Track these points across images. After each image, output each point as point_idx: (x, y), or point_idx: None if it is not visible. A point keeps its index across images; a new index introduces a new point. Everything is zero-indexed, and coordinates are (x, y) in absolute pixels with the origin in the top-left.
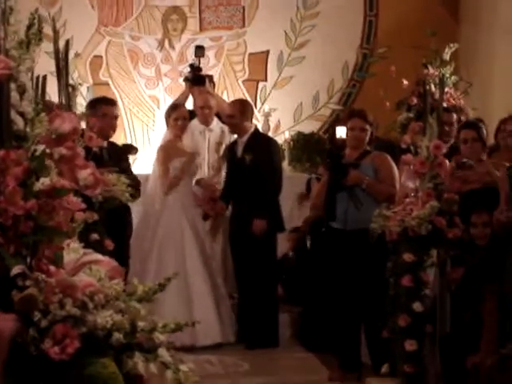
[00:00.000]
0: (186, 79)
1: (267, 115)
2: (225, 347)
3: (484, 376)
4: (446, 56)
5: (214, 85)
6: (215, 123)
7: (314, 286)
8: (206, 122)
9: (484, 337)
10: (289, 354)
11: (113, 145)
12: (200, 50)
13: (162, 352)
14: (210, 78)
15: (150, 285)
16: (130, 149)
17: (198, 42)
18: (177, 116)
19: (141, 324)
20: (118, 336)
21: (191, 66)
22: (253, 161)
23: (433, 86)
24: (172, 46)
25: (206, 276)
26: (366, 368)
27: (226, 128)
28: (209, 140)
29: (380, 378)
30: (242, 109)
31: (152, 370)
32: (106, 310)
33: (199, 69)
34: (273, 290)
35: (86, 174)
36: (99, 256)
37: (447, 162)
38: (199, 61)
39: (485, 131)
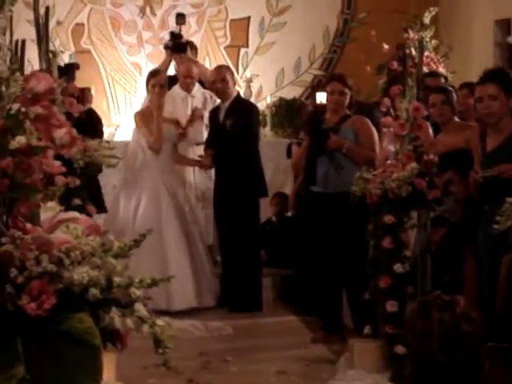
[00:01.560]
0: (167, 47)
1: (249, 81)
2: (208, 312)
3: (405, 321)
4: (426, 20)
5: (196, 51)
6: (197, 89)
7: (297, 250)
8: (188, 89)
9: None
10: (272, 317)
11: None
12: (181, 18)
13: (139, 307)
14: (192, 44)
15: (126, 241)
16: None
17: (179, 9)
18: (154, 82)
19: (117, 279)
20: (94, 291)
21: (171, 33)
22: (233, 126)
23: (413, 50)
24: (153, 13)
25: (184, 241)
26: (348, 330)
27: (208, 94)
28: (191, 107)
29: (362, 339)
30: (225, 74)
31: (129, 325)
32: (82, 266)
33: (180, 36)
34: (256, 254)
35: (61, 133)
36: (76, 214)
37: (428, 124)
38: (180, 28)
39: (455, 95)
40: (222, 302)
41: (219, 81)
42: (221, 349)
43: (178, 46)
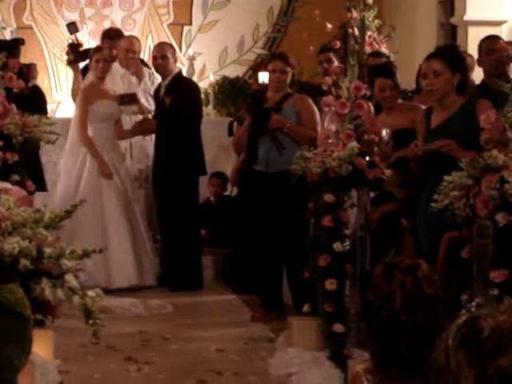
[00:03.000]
0: (70, 62)
1: (192, 59)
2: (148, 290)
3: (372, 284)
4: (370, 0)
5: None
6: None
7: (238, 228)
8: (128, 66)
9: None
10: (212, 296)
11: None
12: (72, 27)
13: (70, 278)
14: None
15: (57, 212)
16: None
17: None
18: (98, 58)
19: (48, 250)
20: (24, 262)
21: (70, 46)
22: (171, 103)
23: (356, 30)
24: None
25: (125, 219)
26: (288, 308)
27: (147, 71)
28: (129, 84)
29: (301, 317)
30: (166, 51)
31: (59, 296)
32: (13, 237)
33: (79, 45)
34: (195, 232)
35: None
36: (8, 185)
37: (369, 104)
38: (76, 37)
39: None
40: (163, 280)
41: (160, 57)
42: (160, 327)
43: (81, 55)
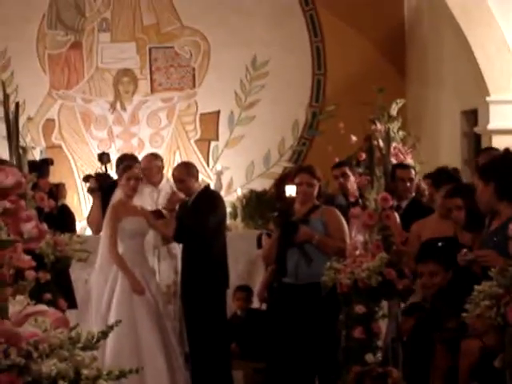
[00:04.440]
0: (93, 190)
1: (219, 174)
2: None
3: None
4: (393, 112)
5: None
6: (165, 182)
7: (269, 342)
8: (153, 183)
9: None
10: None
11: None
12: (105, 157)
13: None
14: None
15: (93, 332)
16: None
17: (149, 104)
18: (129, 176)
19: (85, 372)
20: None
21: (97, 175)
22: (195, 221)
23: (380, 142)
24: (124, 108)
25: (158, 335)
26: None
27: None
28: (156, 201)
29: None
30: (188, 171)
31: None
32: (50, 359)
33: (107, 176)
34: (225, 346)
35: (30, 226)
36: (44, 307)
37: (396, 214)
38: (106, 167)
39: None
40: None
41: (178, 181)
42: None
43: (105, 184)
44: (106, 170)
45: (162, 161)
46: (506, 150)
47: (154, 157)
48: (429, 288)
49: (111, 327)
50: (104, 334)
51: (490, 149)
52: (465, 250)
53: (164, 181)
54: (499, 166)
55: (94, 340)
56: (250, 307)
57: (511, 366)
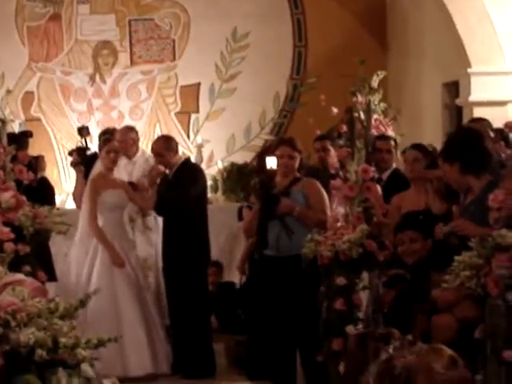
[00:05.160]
0: (76, 164)
1: (200, 146)
2: (162, 378)
3: (347, 354)
4: (374, 84)
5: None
6: (140, 155)
7: (249, 314)
8: (127, 156)
9: None
10: (226, 383)
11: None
12: (84, 130)
13: (85, 367)
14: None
15: (72, 301)
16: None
17: (129, 76)
18: (109, 149)
19: (63, 340)
20: (40, 353)
21: (78, 149)
22: (176, 194)
23: (361, 114)
24: (103, 81)
25: (138, 307)
26: None
27: (151, 158)
28: (131, 174)
29: None
30: (166, 145)
31: None
32: (28, 328)
33: (87, 149)
34: (205, 319)
35: (8, 195)
36: (22, 276)
37: (377, 186)
38: (85, 141)
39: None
40: (175, 368)
41: (157, 155)
42: None
43: (86, 159)
44: (86, 144)
45: (136, 133)
46: (460, 126)
47: (129, 129)
48: (409, 255)
49: (89, 296)
50: (82, 303)
51: (479, 119)
52: (441, 224)
53: (139, 153)
54: (459, 145)
55: (73, 309)
56: (221, 281)
57: (492, 336)
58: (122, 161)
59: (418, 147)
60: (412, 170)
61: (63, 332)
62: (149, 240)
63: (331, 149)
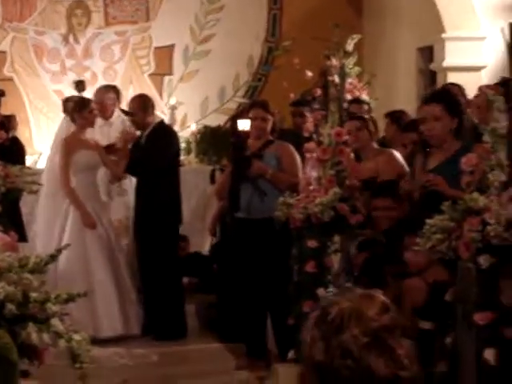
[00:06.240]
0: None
1: (173, 108)
2: (133, 339)
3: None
4: (349, 47)
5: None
6: (116, 116)
7: (221, 276)
8: (104, 117)
9: None
10: (197, 345)
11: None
12: (81, 85)
13: (55, 322)
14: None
15: (42, 256)
16: None
17: (102, 37)
18: (91, 109)
19: (33, 295)
20: (10, 307)
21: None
22: (148, 155)
23: (336, 77)
24: (77, 41)
25: (109, 268)
26: (272, 355)
27: (127, 122)
28: (108, 135)
29: (286, 364)
30: (142, 104)
31: (46, 340)
32: None
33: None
34: (177, 281)
35: None
36: None
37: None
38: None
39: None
40: (147, 330)
41: (131, 114)
42: (145, 376)
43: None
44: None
45: (117, 92)
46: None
47: (107, 89)
48: (384, 221)
49: (60, 250)
50: (52, 258)
51: (453, 84)
52: (406, 178)
53: (116, 114)
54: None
55: (43, 263)
56: (188, 253)
57: (463, 300)
58: (98, 122)
59: (358, 118)
60: (356, 139)
61: (33, 287)
62: (124, 203)
63: (308, 115)
